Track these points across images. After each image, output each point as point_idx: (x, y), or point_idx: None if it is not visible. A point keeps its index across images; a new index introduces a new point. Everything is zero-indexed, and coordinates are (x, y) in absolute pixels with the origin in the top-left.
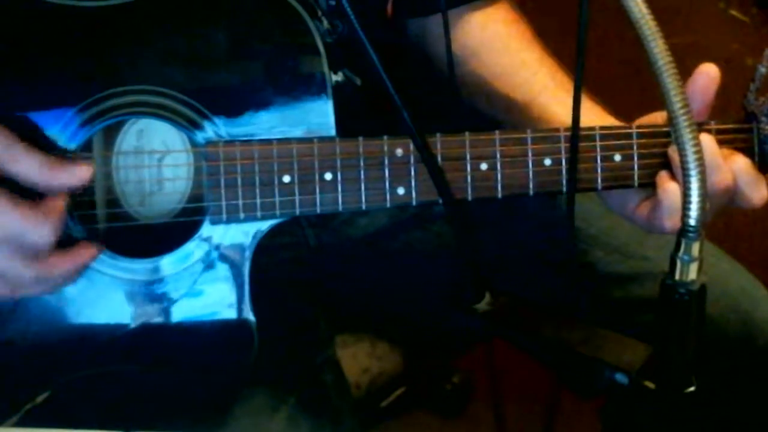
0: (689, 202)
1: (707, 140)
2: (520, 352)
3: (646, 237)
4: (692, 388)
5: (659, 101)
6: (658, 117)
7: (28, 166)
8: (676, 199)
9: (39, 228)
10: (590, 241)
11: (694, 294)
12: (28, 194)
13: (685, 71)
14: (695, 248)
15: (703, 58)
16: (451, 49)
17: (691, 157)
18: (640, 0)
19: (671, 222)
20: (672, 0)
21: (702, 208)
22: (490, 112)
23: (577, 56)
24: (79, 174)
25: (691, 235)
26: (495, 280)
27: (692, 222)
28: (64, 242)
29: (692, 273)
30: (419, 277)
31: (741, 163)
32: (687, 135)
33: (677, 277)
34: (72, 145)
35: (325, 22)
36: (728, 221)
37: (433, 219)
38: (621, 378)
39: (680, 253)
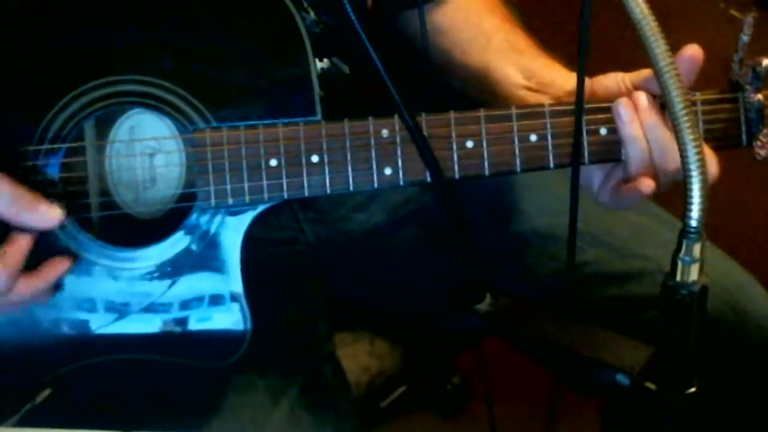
0: (690, 203)
1: None
2: (520, 352)
3: (645, 236)
4: (693, 389)
5: None
6: (616, 74)
7: None
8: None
9: None
10: (589, 240)
11: (695, 295)
12: None
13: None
14: (696, 249)
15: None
16: (428, 44)
17: (692, 158)
18: (640, 0)
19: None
20: (672, 0)
21: (703, 209)
22: (459, 84)
23: (578, 56)
24: (48, 218)
25: (692, 236)
26: (495, 281)
27: (693, 223)
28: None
29: (693, 274)
30: (418, 275)
31: None
32: (688, 136)
33: (678, 278)
34: (62, 134)
35: (312, 13)
36: (728, 221)
37: (431, 216)
38: (622, 379)
39: (681, 254)
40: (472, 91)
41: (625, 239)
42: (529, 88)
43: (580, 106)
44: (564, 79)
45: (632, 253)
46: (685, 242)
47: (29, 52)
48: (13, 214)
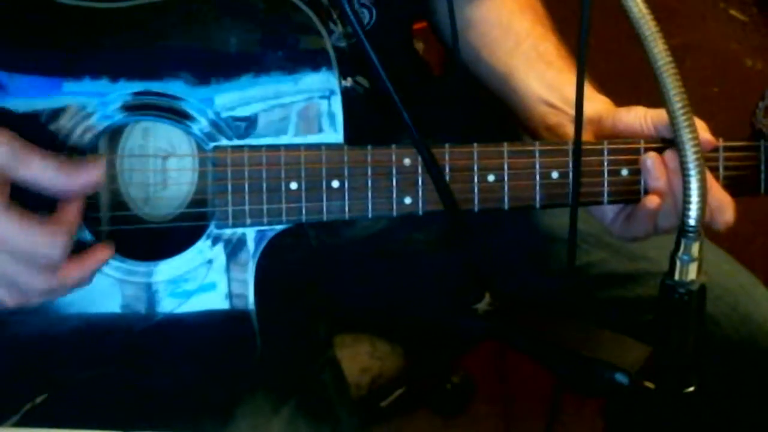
0: (689, 203)
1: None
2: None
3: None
4: (692, 388)
5: (659, 101)
6: (639, 110)
7: (40, 171)
8: (652, 212)
9: (51, 244)
10: (592, 242)
11: (693, 294)
12: (41, 200)
13: (685, 71)
14: (695, 248)
15: (703, 58)
16: (457, 35)
17: (690, 157)
18: (639, 0)
19: (644, 233)
20: (672, 0)
21: (702, 208)
22: (483, 82)
23: (578, 56)
24: (93, 175)
25: (690, 235)
26: (495, 281)
27: (692, 222)
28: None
29: (692, 273)
30: (420, 278)
31: (710, 185)
32: (686, 135)
33: (677, 277)
34: (104, 123)
35: (339, 26)
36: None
37: (433, 220)
38: (621, 378)
39: (680, 253)
40: (495, 93)
41: None
42: (550, 104)
43: (580, 110)
44: (588, 100)
45: (635, 254)
46: (683, 241)
47: (47, 63)
48: (62, 183)
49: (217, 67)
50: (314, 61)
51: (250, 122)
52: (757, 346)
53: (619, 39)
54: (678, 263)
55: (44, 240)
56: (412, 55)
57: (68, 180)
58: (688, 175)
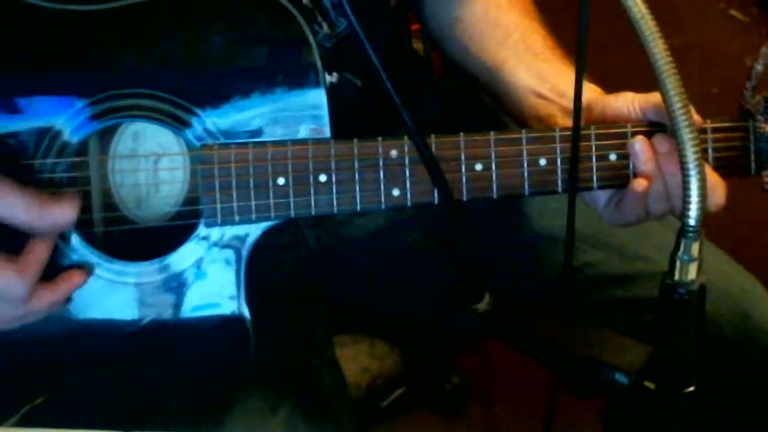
0: (689, 202)
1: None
2: (520, 352)
3: (645, 237)
4: (692, 388)
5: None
6: (627, 96)
7: (9, 208)
8: (640, 195)
9: (14, 284)
10: (590, 242)
11: (693, 294)
12: (10, 233)
13: (685, 71)
14: (695, 248)
15: (703, 58)
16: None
17: (690, 157)
18: (639, 0)
19: (635, 217)
20: (672, 0)
21: (702, 208)
22: (472, 77)
23: (577, 57)
24: (64, 215)
25: (690, 235)
26: (494, 281)
27: (692, 222)
28: (59, 246)
29: (692, 273)
30: (418, 278)
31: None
32: (686, 135)
33: (677, 276)
34: (75, 138)
35: (325, 27)
36: (728, 221)
37: (431, 220)
38: (621, 378)
39: (680, 253)
40: (485, 87)
41: (626, 241)
42: (540, 95)
43: (578, 107)
44: None
45: (633, 254)
46: (683, 241)
47: (37, 66)
48: (31, 220)
49: (199, 66)
50: (299, 56)
51: (235, 119)
52: (756, 346)
53: (618, 39)
54: (678, 263)
55: (8, 280)
56: (410, 56)
57: (37, 218)
58: (688, 175)
